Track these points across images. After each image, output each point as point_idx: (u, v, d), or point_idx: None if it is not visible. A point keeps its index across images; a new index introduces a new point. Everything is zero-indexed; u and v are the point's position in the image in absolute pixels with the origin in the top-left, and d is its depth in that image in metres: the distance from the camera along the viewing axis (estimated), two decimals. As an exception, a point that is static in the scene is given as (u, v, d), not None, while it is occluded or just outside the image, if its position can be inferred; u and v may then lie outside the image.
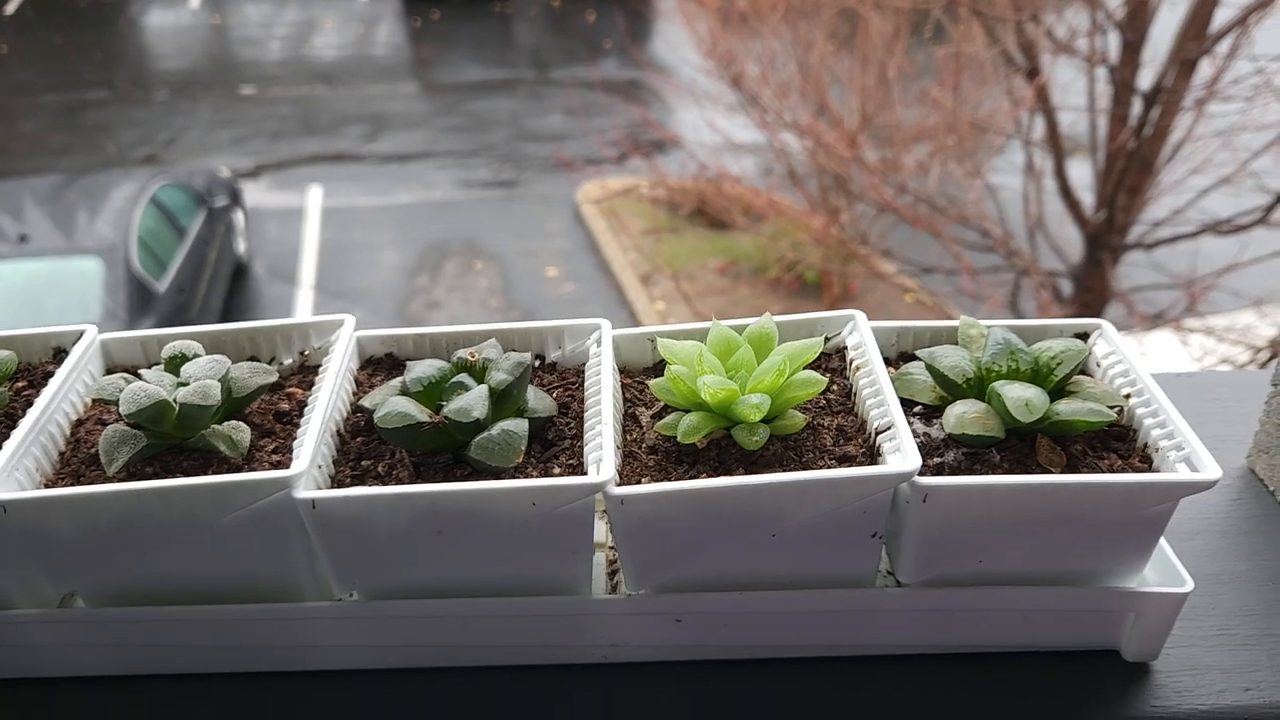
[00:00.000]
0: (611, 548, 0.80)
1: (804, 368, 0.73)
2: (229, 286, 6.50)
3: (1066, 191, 5.19)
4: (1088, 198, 5.27)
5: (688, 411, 0.72)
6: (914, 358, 0.80)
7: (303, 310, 6.50)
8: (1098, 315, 5.19)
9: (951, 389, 0.73)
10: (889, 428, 0.69)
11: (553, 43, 10.69)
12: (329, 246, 7.15)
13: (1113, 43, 4.84)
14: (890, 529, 0.72)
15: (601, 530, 0.79)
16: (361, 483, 0.70)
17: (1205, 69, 4.72)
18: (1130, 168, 4.97)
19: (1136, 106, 4.85)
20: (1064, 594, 0.71)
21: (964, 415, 0.70)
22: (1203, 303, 5.10)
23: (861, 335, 0.78)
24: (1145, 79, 4.80)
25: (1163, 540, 0.74)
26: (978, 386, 0.73)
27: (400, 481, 0.69)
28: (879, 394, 0.72)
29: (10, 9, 11.10)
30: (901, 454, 0.66)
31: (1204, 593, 0.79)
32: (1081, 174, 5.36)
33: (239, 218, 6.90)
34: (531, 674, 0.74)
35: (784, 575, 0.71)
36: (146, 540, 0.67)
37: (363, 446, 0.73)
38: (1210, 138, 4.99)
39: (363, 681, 0.74)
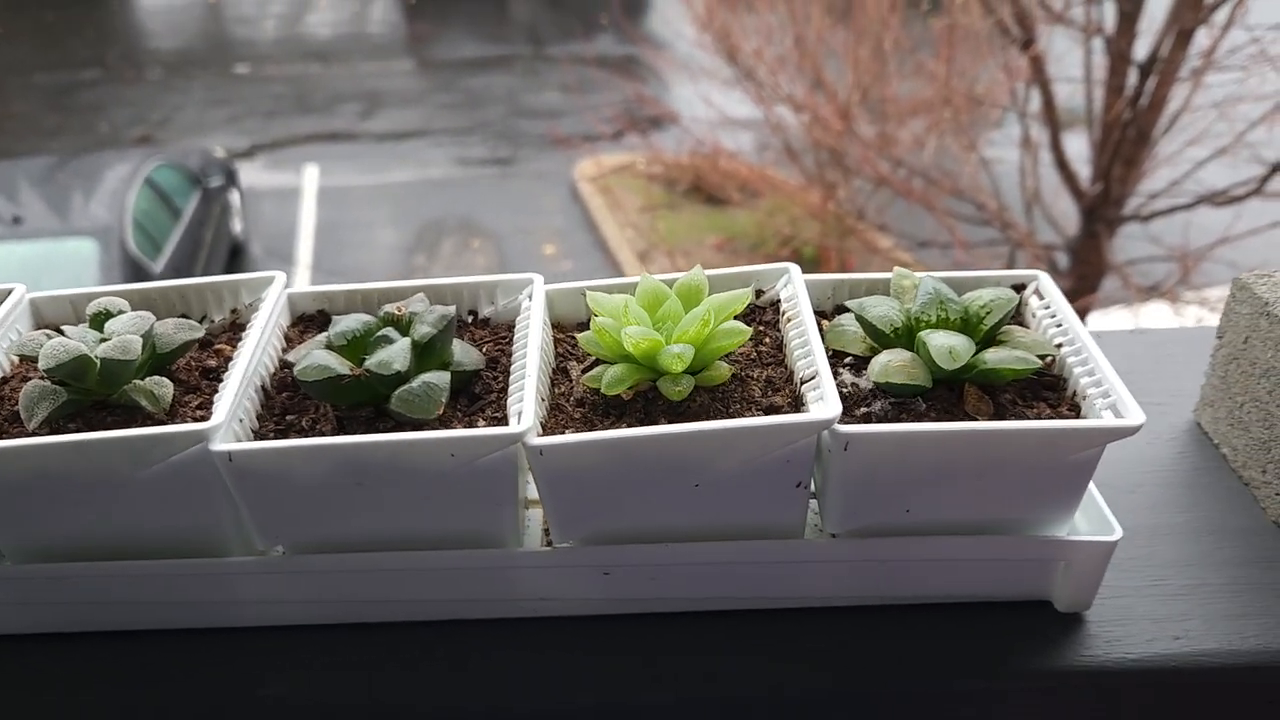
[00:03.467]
0: (549, 504, 0.80)
1: (735, 319, 0.73)
2: (225, 267, 6.49)
3: (1063, 164, 5.16)
4: (1084, 170, 5.24)
5: (614, 364, 0.72)
6: (846, 313, 0.79)
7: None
8: (1094, 288, 5.18)
9: (880, 339, 0.73)
10: (814, 377, 0.68)
11: (548, 18, 10.64)
12: (325, 226, 7.13)
13: (1109, 12, 4.80)
14: (818, 480, 0.72)
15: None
16: (284, 437, 0.69)
17: (1202, 39, 4.68)
18: (1126, 139, 4.93)
19: (1133, 77, 4.82)
20: (992, 543, 0.71)
21: (889, 364, 0.69)
22: (1197, 274, 5.08)
23: (795, 288, 0.78)
24: (1141, 49, 4.76)
25: (1095, 491, 0.74)
26: (906, 336, 0.72)
27: (323, 435, 0.69)
28: (806, 344, 0.71)
29: (3, -11, 11.07)
30: (824, 402, 0.66)
31: (1141, 544, 0.79)
32: (1078, 147, 5.32)
33: (234, 198, 6.88)
34: (461, 628, 0.74)
35: (711, 527, 0.71)
36: (66, 495, 0.67)
37: (287, 401, 0.72)
38: (1207, 108, 4.96)
39: (289, 638, 0.74)
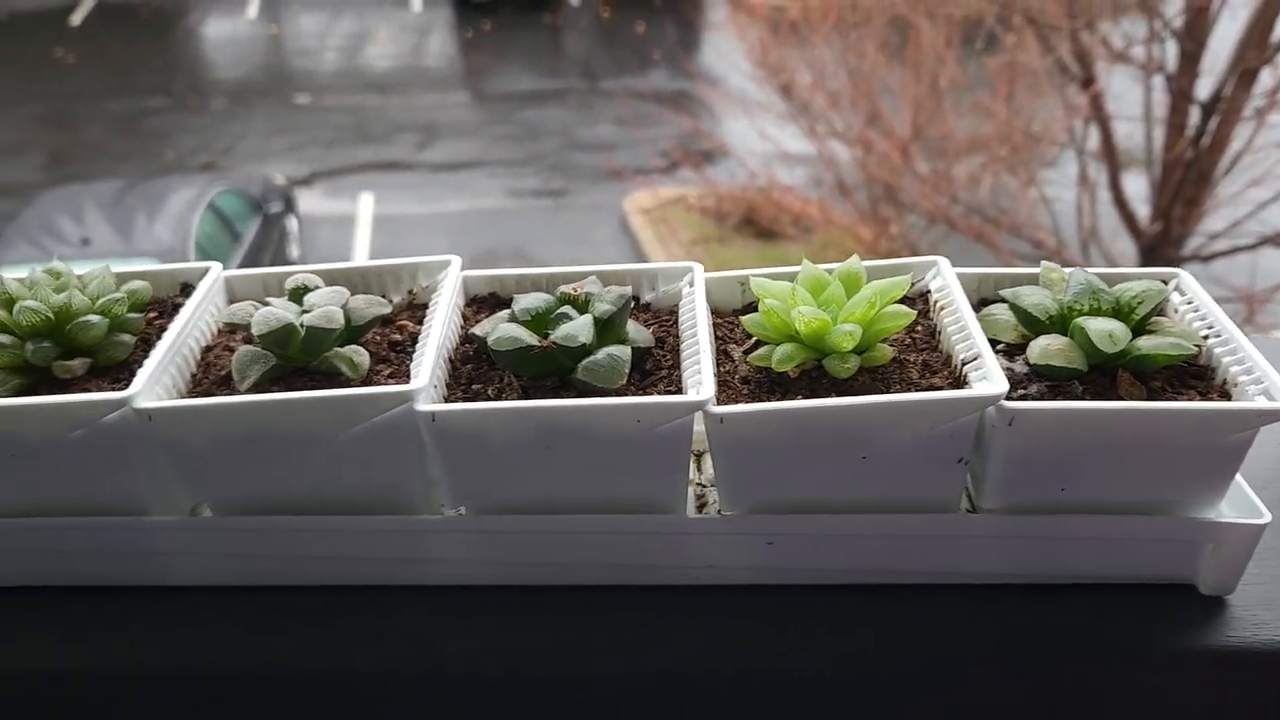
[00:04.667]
0: (699, 484, 0.84)
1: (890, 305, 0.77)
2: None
3: (1121, 203, 5.16)
4: (1143, 210, 5.24)
5: (779, 344, 0.76)
6: (993, 303, 0.83)
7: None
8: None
9: (1034, 326, 0.76)
10: (975, 358, 0.72)
11: (603, 53, 10.81)
12: (380, 253, 7.26)
13: (1170, 52, 4.81)
14: (974, 456, 0.75)
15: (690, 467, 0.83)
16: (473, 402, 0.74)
17: (1266, 79, 4.68)
18: (1187, 178, 4.93)
19: (1194, 116, 4.82)
20: (1144, 522, 0.74)
21: (1048, 347, 0.73)
22: (1261, 315, 5.04)
23: (945, 278, 0.82)
24: (1204, 88, 4.76)
25: (1239, 477, 0.76)
26: (1060, 324, 0.76)
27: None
28: (964, 329, 0.75)
29: (77, 20, 11.43)
30: (989, 380, 0.69)
31: (1279, 535, 0.81)
32: (1136, 186, 5.32)
33: (293, 224, 7.05)
34: (629, 594, 0.78)
35: (870, 500, 0.74)
36: (274, 452, 0.72)
37: (473, 372, 0.77)
38: (1271, 148, 4.94)
39: (467, 597, 0.78)
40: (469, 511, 0.76)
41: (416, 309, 0.85)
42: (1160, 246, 5.14)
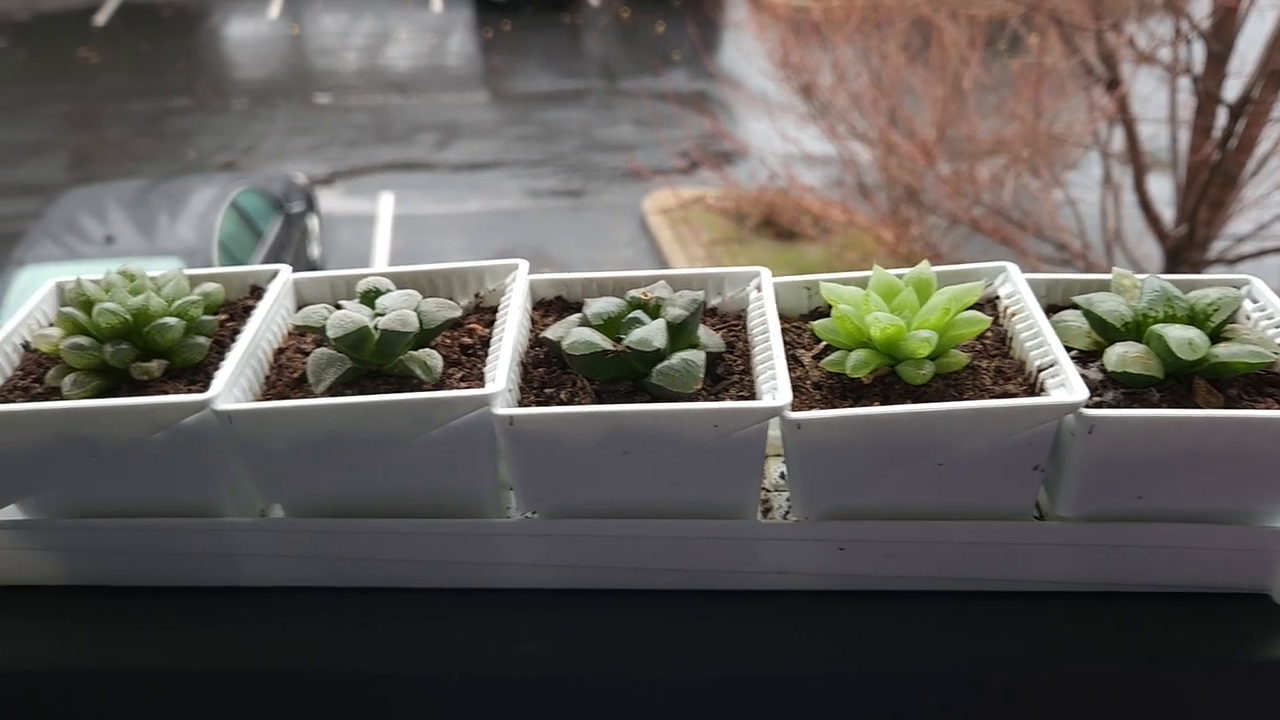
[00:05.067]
0: (763, 488, 0.84)
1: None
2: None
3: (1146, 205, 5.13)
4: (1168, 213, 5.21)
5: (853, 350, 0.75)
6: (1062, 310, 0.83)
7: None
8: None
9: (1108, 333, 0.76)
10: (1052, 364, 0.72)
11: (622, 53, 10.81)
12: (400, 253, 7.28)
13: (1197, 53, 4.78)
14: (1049, 464, 0.75)
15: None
16: (546, 407, 0.74)
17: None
18: (1213, 181, 4.89)
19: (1221, 118, 4.79)
20: (1220, 531, 0.73)
21: (1125, 354, 0.73)
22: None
23: (1015, 284, 0.81)
24: (1231, 90, 4.73)
25: (1314, 486, 0.76)
26: (1135, 331, 0.76)
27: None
28: (1038, 335, 0.75)
29: (101, 20, 11.50)
30: (1068, 388, 0.69)
31: (1352, 544, 0.81)
32: (1161, 189, 5.29)
33: (314, 223, 7.08)
34: (700, 599, 0.78)
35: (945, 506, 0.74)
36: (350, 454, 0.73)
37: (545, 376, 0.77)
38: (1299, 151, 4.90)
39: (537, 601, 0.78)
40: (541, 515, 0.76)
41: (484, 312, 0.85)
42: (1185, 249, 5.11)
